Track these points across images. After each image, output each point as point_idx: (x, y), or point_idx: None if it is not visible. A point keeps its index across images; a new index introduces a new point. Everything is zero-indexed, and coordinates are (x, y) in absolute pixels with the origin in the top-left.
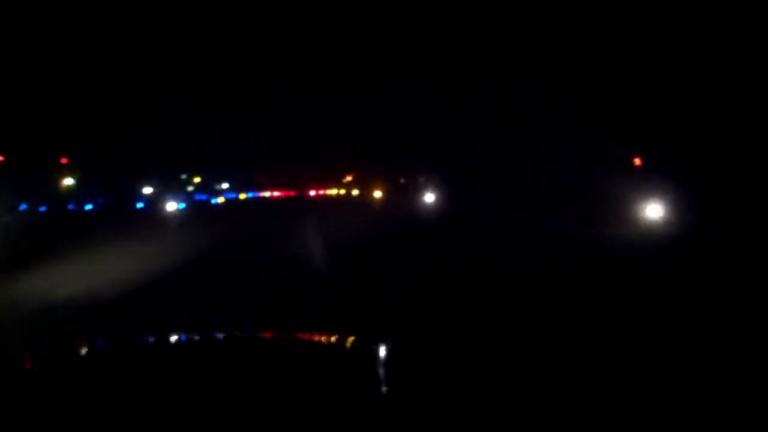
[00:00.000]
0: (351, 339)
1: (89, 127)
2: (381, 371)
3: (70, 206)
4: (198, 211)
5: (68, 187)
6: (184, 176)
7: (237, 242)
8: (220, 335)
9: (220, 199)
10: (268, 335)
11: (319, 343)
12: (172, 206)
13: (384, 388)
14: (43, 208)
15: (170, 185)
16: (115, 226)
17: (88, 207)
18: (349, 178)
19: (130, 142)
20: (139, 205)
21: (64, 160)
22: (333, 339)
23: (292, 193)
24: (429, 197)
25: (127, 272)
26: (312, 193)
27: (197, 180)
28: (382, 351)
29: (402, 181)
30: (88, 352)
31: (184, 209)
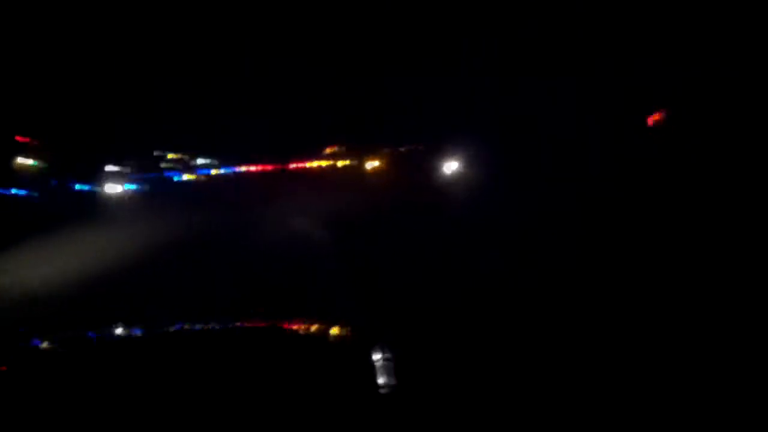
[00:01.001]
0: (345, 334)
1: (56, 103)
2: (383, 368)
3: None
4: (148, 192)
5: (23, 168)
6: (157, 153)
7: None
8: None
9: (188, 176)
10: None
11: (312, 338)
12: (112, 188)
13: (384, 383)
14: None
15: (140, 163)
16: (24, 216)
17: (13, 191)
18: (331, 150)
19: (100, 119)
20: (79, 187)
21: (21, 139)
22: (326, 333)
23: (269, 168)
24: (453, 167)
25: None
26: (293, 166)
27: (172, 156)
28: (381, 350)
29: (403, 150)
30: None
31: (132, 191)
